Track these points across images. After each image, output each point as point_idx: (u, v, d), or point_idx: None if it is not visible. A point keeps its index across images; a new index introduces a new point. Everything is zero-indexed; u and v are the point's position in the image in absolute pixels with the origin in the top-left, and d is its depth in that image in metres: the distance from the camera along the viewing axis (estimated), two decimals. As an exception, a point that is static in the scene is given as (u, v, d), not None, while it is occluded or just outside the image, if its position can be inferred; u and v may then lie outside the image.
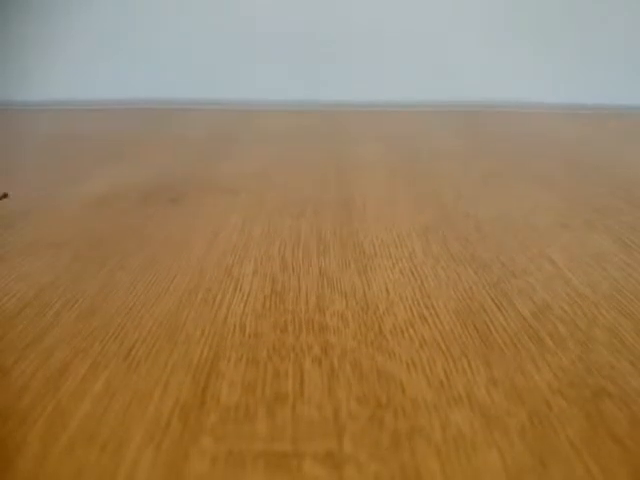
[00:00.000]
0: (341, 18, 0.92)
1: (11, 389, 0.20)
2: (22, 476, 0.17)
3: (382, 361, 0.22)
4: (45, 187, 0.47)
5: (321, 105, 0.91)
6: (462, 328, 0.25)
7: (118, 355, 0.23)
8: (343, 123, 0.79)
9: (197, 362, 0.22)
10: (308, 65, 0.92)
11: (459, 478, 0.16)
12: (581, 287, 0.29)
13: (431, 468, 0.17)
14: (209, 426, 0.19)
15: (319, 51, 0.92)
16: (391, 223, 0.38)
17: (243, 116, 0.84)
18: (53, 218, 0.39)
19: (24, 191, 0.46)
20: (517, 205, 0.42)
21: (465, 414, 0.19)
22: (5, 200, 0.43)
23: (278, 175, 0.50)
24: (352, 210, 0.41)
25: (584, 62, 0.93)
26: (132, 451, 0.17)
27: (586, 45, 0.93)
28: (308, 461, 0.17)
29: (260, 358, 0.22)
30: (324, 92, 0.93)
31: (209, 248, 0.34)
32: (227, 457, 0.17)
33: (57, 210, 0.41)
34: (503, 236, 0.36)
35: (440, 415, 0.19)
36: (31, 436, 0.18)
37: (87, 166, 0.54)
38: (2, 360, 0.22)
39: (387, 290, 0.28)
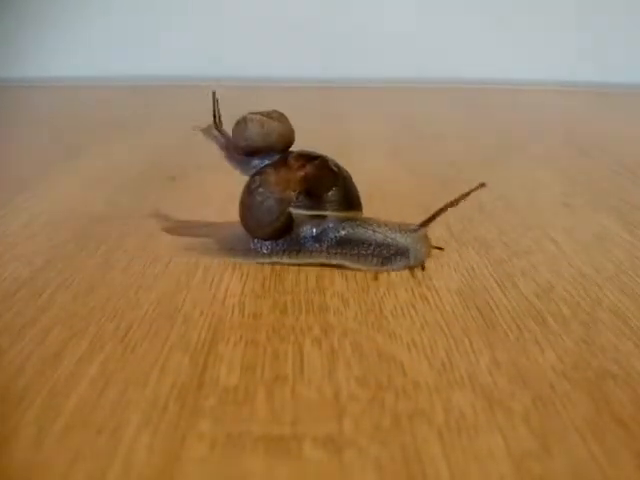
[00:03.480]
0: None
1: (7, 371, 0.20)
2: (18, 460, 0.16)
3: (383, 342, 0.22)
4: (43, 164, 0.46)
5: (321, 82, 0.90)
6: (464, 309, 0.24)
7: (115, 337, 0.22)
8: (344, 100, 0.78)
9: (195, 343, 0.22)
10: (310, 42, 0.91)
11: (461, 462, 0.16)
12: (584, 268, 0.28)
13: (432, 451, 0.17)
14: (207, 409, 0.18)
15: (319, 29, 0.91)
16: (392, 202, 0.38)
17: (246, 93, 0.83)
18: (49, 195, 0.38)
19: (20, 167, 0.46)
20: (519, 184, 0.42)
21: (467, 396, 0.19)
22: None
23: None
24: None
25: (583, 39, 0.91)
26: (129, 435, 0.17)
27: (586, 22, 0.91)
28: (308, 444, 0.17)
29: (259, 339, 0.22)
30: (324, 69, 0.92)
31: (208, 227, 0.33)
32: (226, 440, 0.17)
33: (54, 187, 0.40)
34: (505, 216, 0.35)
35: (442, 397, 0.19)
36: (27, 419, 0.18)
37: (86, 143, 0.54)
38: (-3, 341, 0.22)
39: (388, 270, 0.28)
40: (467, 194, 0.28)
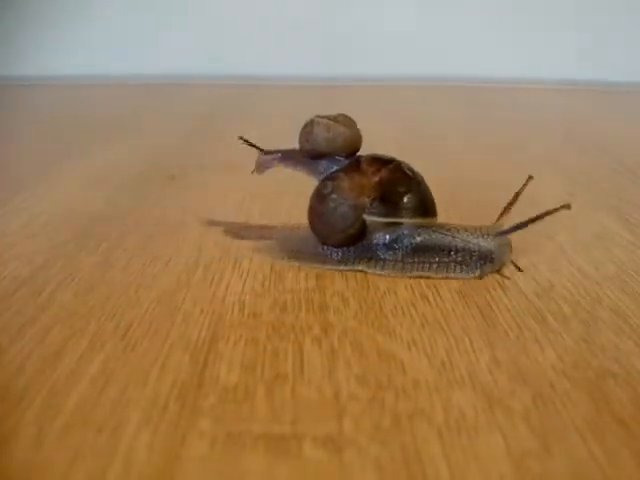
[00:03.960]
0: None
1: (7, 370, 0.20)
2: (18, 459, 0.16)
3: (383, 341, 0.22)
4: (42, 163, 0.46)
5: (322, 80, 0.90)
6: (464, 307, 0.24)
7: (115, 335, 0.22)
8: (343, 98, 0.78)
9: (195, 342, 0.22)
10: (310, 40, 0.91)
11: (461, 461, 0.16)
12: (585, 266, 0.28)
13: (432, 451, 0.17)
14: (207, 407, 0.18)
15: (320, 27, 0.91)
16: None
17: (245, 91, 0.83)
18: (49, 194, 0.38)
19: (20, 166, 0.46)
20: (519, 184, 0.41)
21: (467, 396, 0.19)
22: None
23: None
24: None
25: (583, 39, 0.91)
26: (129, 433, 0.17)
27: (586, 22, 0.91)
28: (308, 443, 0.17)
29: (259, 338, 0.22)
30: (325, 67, 0.92)
31: (208, 226, 0.33)
32: (226, 439, 0.17)
33: (54, 186, 0.40)
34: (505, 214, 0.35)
35: (442, 396, 0.19)
36: (27, 418, 0.18)
37: (86, 143, 0.54)
38: (-3, 340, 0.22)
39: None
40: (551, 212, 0.27)
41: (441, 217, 0.29)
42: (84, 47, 0.91)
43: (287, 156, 0.29)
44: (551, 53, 0.91)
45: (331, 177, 0.27)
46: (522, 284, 0.27)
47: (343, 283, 0.27)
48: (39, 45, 0.90)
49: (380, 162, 0.27)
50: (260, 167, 0.30)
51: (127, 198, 0.38)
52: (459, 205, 0.36)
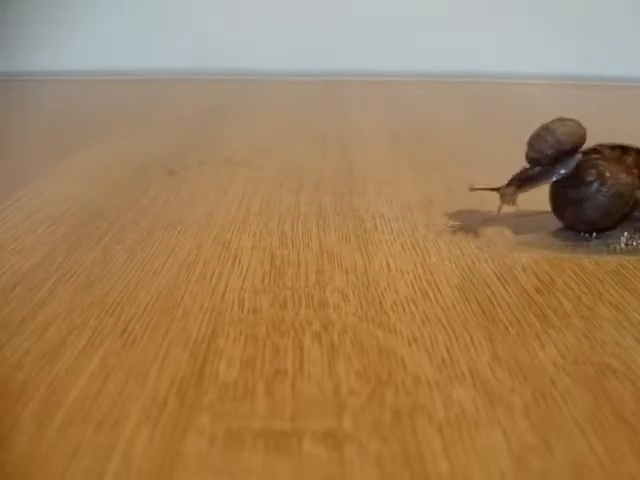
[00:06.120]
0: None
1: (5, 366, 0.20)
2: (17, 455, 0.16)
3: (383, 337, 0.22)
4: (42, 158, 0.46)
5: (322, 75, 0.90)
6: (465, 304, 0.24)
7: (114, 331, 0.22)
8: (343, 94, 0.78)
9: (195, 338, 0.22)
10: (310, 35, 0.91)
11: (462, 458, 0.16)
12: (586, 262, 0.28)
13: (433, 447, 0.17)
14: (207, 404, 0.18)
15: (320, 22, 0.90)
16: (392, 197, 0.37)
17: (245, 87, 0.83)
18: (49, 189, 0.38)
19: (21, 160, 0.46)
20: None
21: (468, 392, 0.19)
22: None
23: (278, 147, 0.50)
24: (353, 183, 0.40)
25: (580, 33, 0.91)
26: (128, 430, 0.17)
27: (583, 16, 0.91)
28: (308, 440, 0.17)
29: (259, 334, 0.22)
30: (325, 63, 0.92)
31: (207, 222, 0.33)
32: (226, 435, 0.17)
33: (54, 181, 0.40)
34: (506, 210, 0.35)
35: (442, 393, 0.19)
36: (26, 414, 0.18)
37: (86, 137, 0.53)
38: (-4, 336, 0.22)
39: (388, 265, 0.28)
40: None
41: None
42: (84, 42, 0.91)
43: (522, 179, 0.31)
44: (551, 49, 0.91)
45: (589, 166, 0.29)
46: (523, 280, 0.26)
47: (343, 279, 0.27)
48: (39, 41, 0.90)
49: (619, 147, 0.30)
50: (510, 201, 0.31)
51: (127, 193, 0.38)
52: (459, 200, 0.36)
